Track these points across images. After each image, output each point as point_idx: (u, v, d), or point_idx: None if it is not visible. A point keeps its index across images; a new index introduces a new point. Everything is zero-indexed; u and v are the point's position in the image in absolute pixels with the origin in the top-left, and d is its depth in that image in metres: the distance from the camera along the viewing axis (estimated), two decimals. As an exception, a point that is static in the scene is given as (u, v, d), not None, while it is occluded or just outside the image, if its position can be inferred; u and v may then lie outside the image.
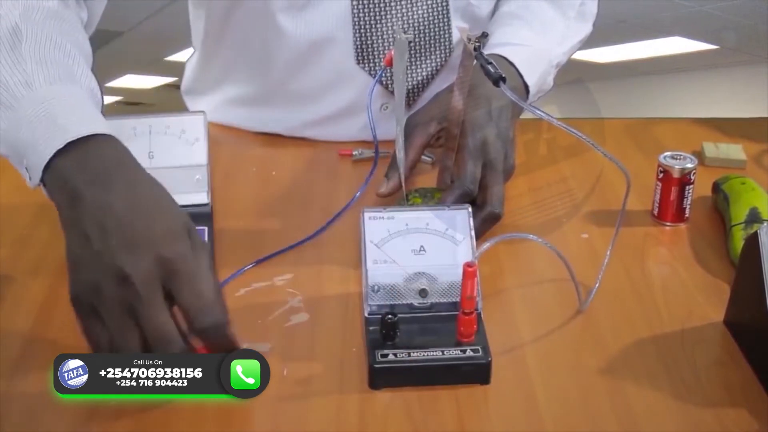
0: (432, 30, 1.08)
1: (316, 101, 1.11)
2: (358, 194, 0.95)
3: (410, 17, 1.06)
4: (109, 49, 4.63)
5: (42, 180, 0.74)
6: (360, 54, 1.06)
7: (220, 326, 0.68)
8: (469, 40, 0.82)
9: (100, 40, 0.97)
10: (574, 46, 1.12)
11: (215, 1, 1.08)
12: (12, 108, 0.76)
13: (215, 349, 0.68)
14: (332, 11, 1.05)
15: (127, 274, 0.66)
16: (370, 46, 1.06)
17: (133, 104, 6.19)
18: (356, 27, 1.05)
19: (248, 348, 0.68)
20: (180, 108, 1.22)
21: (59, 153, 0.72)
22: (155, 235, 0.68)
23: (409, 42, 0.92)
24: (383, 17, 1.05)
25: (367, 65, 1.07)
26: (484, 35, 0.84)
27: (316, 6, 1.04)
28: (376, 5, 1.05)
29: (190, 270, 0.68)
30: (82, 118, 0.75)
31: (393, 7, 1.05)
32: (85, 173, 0.71)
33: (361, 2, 1.04)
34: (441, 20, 1.08)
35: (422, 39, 1.08)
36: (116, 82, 5.85)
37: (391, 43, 1.05)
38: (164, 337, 0.66)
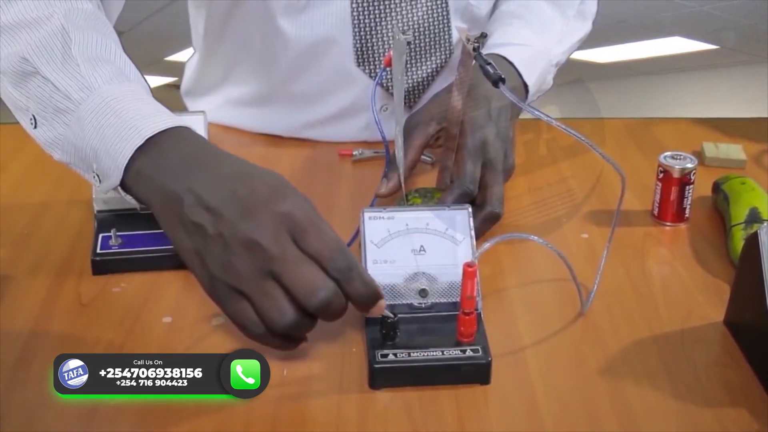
0: (432, 31, 1.08)
1: (316, 102, 1.11)
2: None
3: (410, 18, 1.06)
4: (109, 50, 4.59)
5: (121, 182, 0.74)
6: (360, 56, 1.06)
7: (354, 267, 0.68)
8: (468, 40, 0.82)
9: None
10: (574, 45, 1.12)
11: (215, 3, 1.08)
12: (71, 112, 0.76)
13: (358, 296, 0.68)
14: (332, 13, 1.05)
15: (254, 239, 0.66)
16: (369, 47, 1.06)
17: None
18: (356, 29, 1.05)
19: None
20: (180, 108, 1.22)
21: (136, 152, 0.72)
22: (264, 196, 0.68)
23: (409, 43, 0.92)
24: (383, 19, 1.05)
25: (367, 67, 1.07)
26: (483, 35, 0.83)
27: (315, 7, 1.04)
28: (376, 7, 1.05)
29: (310, 218, 0.68)
30: (149, 113, 0.75)
31: (393, 9, 1.05)
32: (169, 168, 0.71)
33: (360, 4, 1.04)
34: (441, 21, 1.08)
35: (422, 40, 1.08)
36: (116, 83, 5.81)
37: (391, 45, 1.05)
38: (313, 285, 0.66)
